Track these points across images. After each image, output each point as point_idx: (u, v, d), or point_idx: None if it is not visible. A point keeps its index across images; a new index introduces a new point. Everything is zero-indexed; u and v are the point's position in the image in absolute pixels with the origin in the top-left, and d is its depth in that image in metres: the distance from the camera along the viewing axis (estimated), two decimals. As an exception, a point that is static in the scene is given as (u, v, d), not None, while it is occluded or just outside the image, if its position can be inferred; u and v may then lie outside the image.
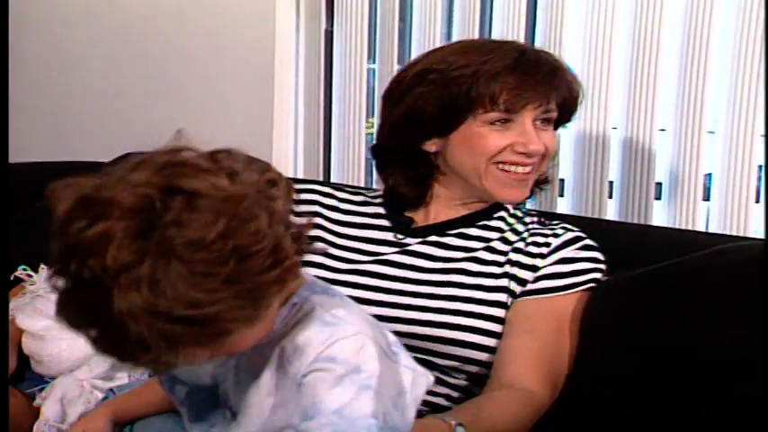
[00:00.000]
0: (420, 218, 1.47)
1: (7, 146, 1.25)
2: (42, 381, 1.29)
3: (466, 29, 1.95)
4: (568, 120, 1.47)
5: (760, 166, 1.71)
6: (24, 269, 1.33)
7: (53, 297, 1.20)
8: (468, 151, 1.37)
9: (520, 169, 1.37)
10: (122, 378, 1.31)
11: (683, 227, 1.76)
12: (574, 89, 1.42)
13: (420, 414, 1.27)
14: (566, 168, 1.86)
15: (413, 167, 1.43)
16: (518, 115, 1.35)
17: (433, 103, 1.36)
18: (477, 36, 1.96)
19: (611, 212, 1.86)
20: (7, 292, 1.29)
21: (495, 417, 1.25)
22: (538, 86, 1.34)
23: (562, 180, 1.90)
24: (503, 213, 1.47)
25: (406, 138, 1.41)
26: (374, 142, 1.51)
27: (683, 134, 1.76)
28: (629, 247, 1.49)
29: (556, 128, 1.44)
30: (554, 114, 1.40)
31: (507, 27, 1.90)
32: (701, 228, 1.77)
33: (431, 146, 1.40)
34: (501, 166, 1.36)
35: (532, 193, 1.46)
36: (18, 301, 1.34)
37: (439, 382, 1.32)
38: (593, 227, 1.49)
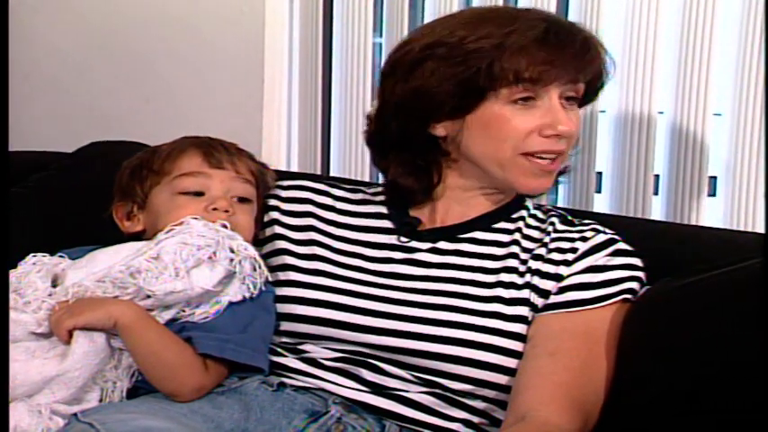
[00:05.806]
0: (426, 217, 1.41)
1: (7, 146, 1.28)
2: (-2, 410, 1.21)
3: (489, -3, 1.87)
4: (592, 99, 1.41)
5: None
6: None
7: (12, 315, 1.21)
8: (489, 136, 1.31)
9: (548, 159, 1.32)
10: (92, 401, 1.24)
11: (741, 228, 1.68)
12: (605, 64, 1.36)
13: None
14: (603, 160, 1.79)
15: (419, 154, 1.37)
16: (543, 91, 1.29)
17: (447, 81, 1.29)
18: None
19: (658, 211, 1.79)
20: (7, 292, 1.23)
21: None
22: (571, 61, 1.29)
23: (599, 174, 1.83)
24: (522, 213, 1.40)
25: (411, 121, 1.35)
26: (366, 128, 1.45)
27: (740, 119, 1.66)
28: (677, 252, 1.42)
29: (579, 107, 1.38)
30: (581, 91, 1.34)
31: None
32: (760, 229, 1.66)
33: (440, 129, 1.34)
34: (529, 157, 1.31)
35: (555, 185, 1.41)
36: None
37: (454, 404, 1.28)
38: (635, 228, 1.45)
